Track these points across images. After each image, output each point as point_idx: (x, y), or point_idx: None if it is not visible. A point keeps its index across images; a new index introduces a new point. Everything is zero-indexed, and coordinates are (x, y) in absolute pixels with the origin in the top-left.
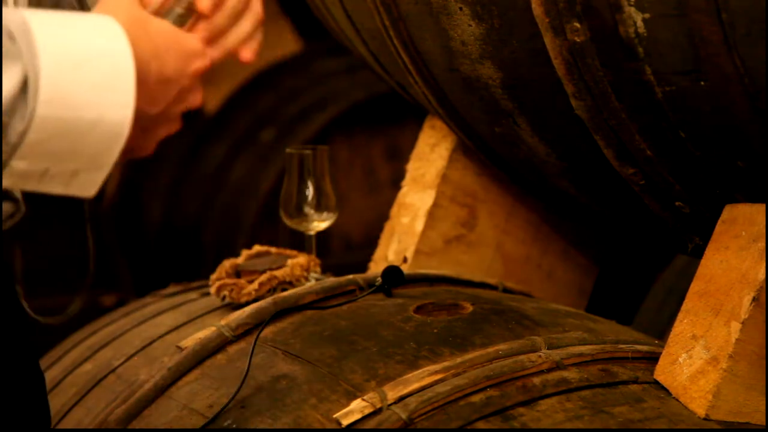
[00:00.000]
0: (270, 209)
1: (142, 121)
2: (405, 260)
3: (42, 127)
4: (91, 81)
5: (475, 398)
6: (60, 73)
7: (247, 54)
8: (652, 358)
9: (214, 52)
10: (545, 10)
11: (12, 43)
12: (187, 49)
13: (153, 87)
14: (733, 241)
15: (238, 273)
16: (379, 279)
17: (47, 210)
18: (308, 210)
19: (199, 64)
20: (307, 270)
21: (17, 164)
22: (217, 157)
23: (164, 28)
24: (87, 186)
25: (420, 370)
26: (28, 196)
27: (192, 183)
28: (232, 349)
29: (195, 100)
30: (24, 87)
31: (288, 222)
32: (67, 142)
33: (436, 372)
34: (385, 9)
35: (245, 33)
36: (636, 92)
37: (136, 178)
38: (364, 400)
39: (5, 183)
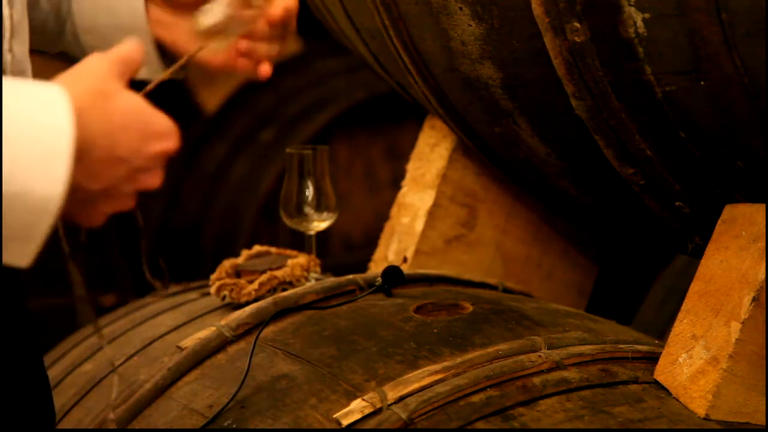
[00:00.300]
0: (270, 209)
1: (80, 195)
2: (405, 260)
3: None
4: (21, 154)
5: (475, 398)
6: None
7: (267, 70)
8: (652, 358)
9: (245, 64)
10: (545, 10)
11: None
12: (151, 129)
13: (96, 164)
14: (733, 241)
15: (238, 273)
16: (379, 279)
17: None
18: (308, 210)
19: (163, 146)
20: (307, 270)
21: None
22: (217, 157)
23: (130, 105)
24: (20, 255)
25: (420, 370)
26: None
27: (192, 183)
28: (232, 349)
29: (151, 181)
30: None
31: (288, 222)
32: None
33: (436, 372)
34: (385, 9)
35: (276, 50)
36: (636, 92)
37: None
38: (364, 400)
39: None
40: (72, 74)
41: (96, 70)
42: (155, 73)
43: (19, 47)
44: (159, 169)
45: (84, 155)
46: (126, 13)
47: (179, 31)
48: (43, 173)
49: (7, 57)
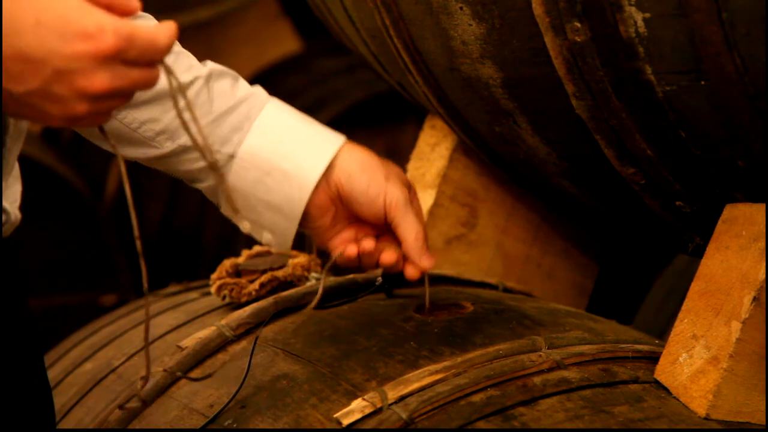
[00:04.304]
0: None
1: (8, 96)
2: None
3: None
4: None
5: (476, 398)
6: None
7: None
8: (653, 358)
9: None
10: (546, 9)
11: None
12: (71, 28)
13: (10, 64)
14: (734, 241)
15: (238, 272)
16: (380, 279)
17: (46, 211)
18: None
19: (87, 46)
20: (308, 270)
21: None
22: None
23: (46, 2)
24: None
25: (420, 370)
26: (27, 195)
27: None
28: (233, 348)
29: (88, 83)
30: None
31: None
32: None
33: (437, 372)
34: (386, 8)
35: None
36: (636, 92)
37: (136, 178)
38: (364, 399)
39: None
40: None
41: None
42: (283, 246)
43: None
44: (96, 70)
45: None
46: (285, 200)
47: (327, 220)
48: None
49: None
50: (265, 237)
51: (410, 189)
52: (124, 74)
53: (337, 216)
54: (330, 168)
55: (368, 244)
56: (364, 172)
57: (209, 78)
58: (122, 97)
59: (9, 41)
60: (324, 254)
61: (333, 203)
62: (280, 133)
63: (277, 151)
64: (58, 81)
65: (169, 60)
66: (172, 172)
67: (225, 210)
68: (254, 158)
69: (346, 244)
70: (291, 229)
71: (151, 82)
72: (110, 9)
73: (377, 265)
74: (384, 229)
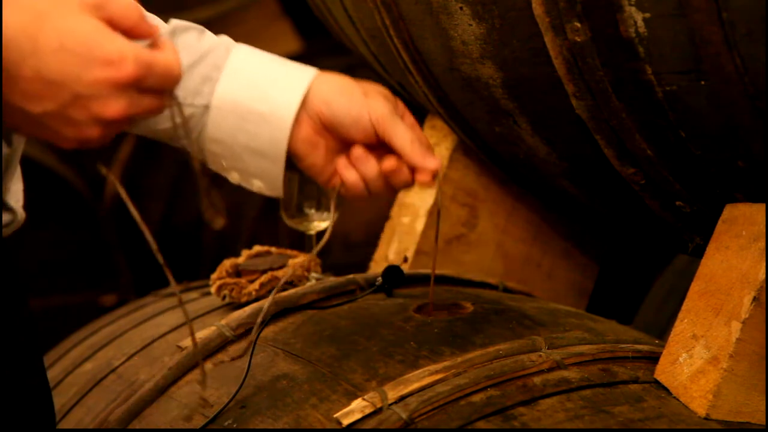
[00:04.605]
0: (270, 209)
1: (21, 116)
2: (405, 260)
3: None
4: None
5: (476, 398)
6: None
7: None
8: (653, 358)
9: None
10: (546, 9)
11: None
12: (94, 54)
13: (28, 85)
14: (734, 241)
15: (238, 273)
16: (380, 279)
17: (46, 211)
18: (308, 210)
19: (108, 73)
20: (308, 270)
21: None
22: None
23: (71, 27)
24: None
25: (420, 370)
26: (27, 195)
27: (192, 183)
28: (233, 348)
29: (105, 110)
30: None
31: (288, 222)
32: None
33: (437, 372)
34: (386, 8)
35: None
36: (636, 92)
37: (136, 178)
38: (364, 399)
39: None
40: None
41: None
42: (275, 191)
43: None
44: (113, 97)
45: (12, 75)
46: (267, 142)
47: (319, 155)
48: None
49: None
50: (255, 185)
51: (396, 102)
52: (139, 101)
53: (330, 149)
54: (307, 100)
55: (365, 161)
56: (342, 95)
57: (173, 33)
58: (129, 122)
59: (30, 62)
60: (324, 254)
61: (320, 135)
62: (251, 76)
63: (251, 95)
64: (75, 105)
65: None
66: (150, 133)
67: (212, 164)
68: (229, 105)
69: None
70: (278, 173)
71: (159, 110)
72: (130, 34)
73: (388, 187)
74: (385, 151)
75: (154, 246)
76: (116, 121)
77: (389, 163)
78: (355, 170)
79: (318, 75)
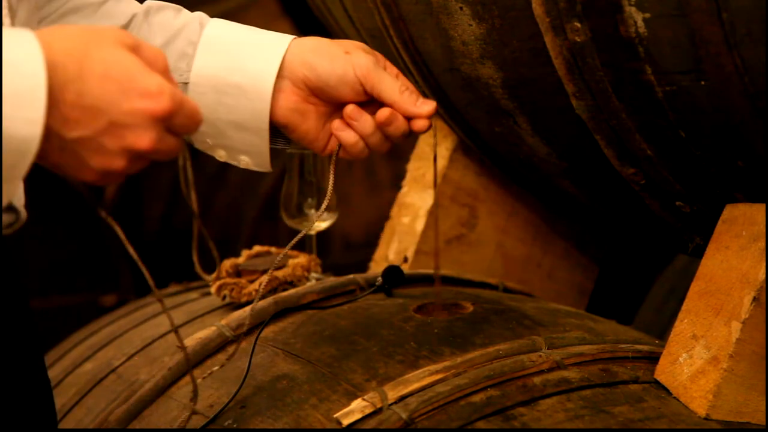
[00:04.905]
0: (270, 209)
1: (56, 141)
2: (405, 260)
3: None
4: (5, 93)
5: (476, 398)
6: None
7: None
8: (653, 358)
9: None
10: (546, 9)
11: None
12: (134, 85)
13: (69, 110)
14: (734, 241)
15: (238, 273)
16: (380, 279)
17: (46, 211)
18: (308, 210)
19: (146, 104)
20: (308, 270)
21: None
22: None
23: (114, 57)
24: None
25: (420, 370)
26: (27, 195)
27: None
28: (233, 348)
29: (137, 140)
30: None
31: (288, 222)
32: None
33: (437, 372)
34: (386, 8)
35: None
36: (636, 92)
37: (136, 178)
38: (364, 399)
39: None
40: (74, 27)
41: (100, 28)
42: (263, 166)
43: None
44: (146, 129)
45: (55, 99)
46: (249, 115)
47: (311, 122)
48: (20, 114)
49: None
50: (243, 161)
51: (375, 54)
52: (165, 139)
53: (320, 114)
54: (287, 67)
55: (359, 117)
56: (322, 56)
57: (147, 13)
58: (147, 161)
59: (73, 86)
60: (324, 254)
61: (308, 101)
62: (226, 49)
63: (228, 67)
64: (109, 133)
65: (110, 5)
66: None
67: (198, 143)
68: (207, 80)
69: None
70: (264, 146)
71: (175, 153)
72: (165, 74)
73: (386, 141)
74: (375, 107)
75: (132, 252)
76: (143, 154)
77: (383, 113)
78: (351, 129)
79: (294, 40)
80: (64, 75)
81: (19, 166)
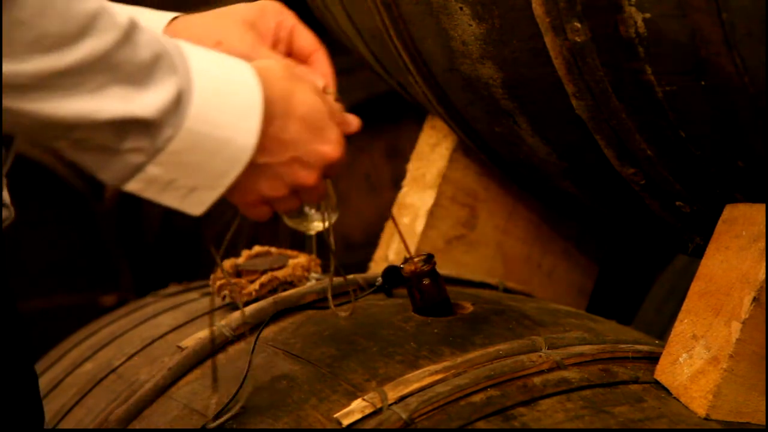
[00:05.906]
0: None
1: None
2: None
3: (185, 138)
4: (230, 104)
5: (476, 398)
6: (208, 93)
7: None
8: (653, 358)
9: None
10: (546, 9)
11: (170, 59)
12: (322, 130)
13: (268, 141)
14: (734, 241)
15: (238, 273)
16: (380, 279)
17: (46, 211)
18: (308, 210)
19: (327, 149)
20: (308, 270)
21: (152, 169)
22: None
23: (312, 100)
24: (198, 203)
25: (420, 370)
26: (27, 195)
27: None
28: (233, 348)
29: (307, 178)
30: (178, 99)
31: (288, 222)
32: (199, 157)
33: (437, 372)
34: (386, 9)
35: None
36: (636, 92)
37: None
38: (364, 399)
39: (132, 187)
40: (263, 62)
41: (300, 71)
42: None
43: None
44: (316, 169)
45: (263, 128)
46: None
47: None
48: (245, 125)
49: None
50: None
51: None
52: (321, 183)
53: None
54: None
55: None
56: (241, 43)
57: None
58: (296, 203)
59: (278, 122)
60: (324, 255)
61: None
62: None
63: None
64: (288, 165)
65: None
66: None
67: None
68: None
69: None
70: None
71: (322, 198)
72: (341, 126)
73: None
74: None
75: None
76: (304, 190)
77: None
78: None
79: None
80: (273, 111)
81: (229, 174)
